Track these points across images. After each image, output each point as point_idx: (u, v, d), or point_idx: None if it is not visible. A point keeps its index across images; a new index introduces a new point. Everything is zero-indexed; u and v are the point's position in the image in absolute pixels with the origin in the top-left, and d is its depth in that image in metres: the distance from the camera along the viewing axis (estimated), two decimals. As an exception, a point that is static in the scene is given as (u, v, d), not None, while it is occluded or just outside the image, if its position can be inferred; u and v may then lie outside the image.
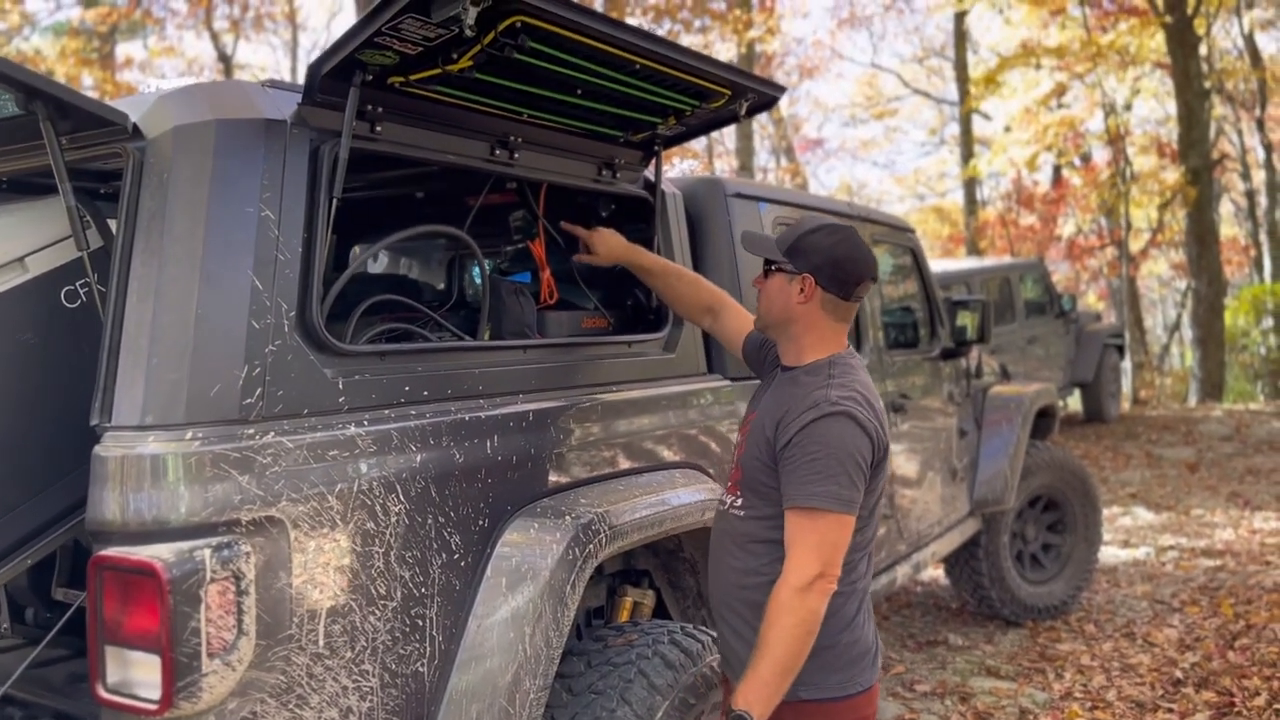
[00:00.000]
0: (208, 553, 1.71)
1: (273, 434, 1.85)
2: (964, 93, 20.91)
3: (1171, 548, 6.95)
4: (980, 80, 18.69)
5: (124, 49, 22.80)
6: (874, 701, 2.16)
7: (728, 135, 22.95)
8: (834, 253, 2.15)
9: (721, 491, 2.38)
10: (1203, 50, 17.04)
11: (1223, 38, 21.85)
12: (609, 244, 2.78)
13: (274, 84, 2.14)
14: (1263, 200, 23.44)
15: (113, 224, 2.01)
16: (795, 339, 2.21)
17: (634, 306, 3.27)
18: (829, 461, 1.98)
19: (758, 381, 3.25)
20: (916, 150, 51.14)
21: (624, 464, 2.73)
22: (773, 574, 2.05)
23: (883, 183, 39.53)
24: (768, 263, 2.24)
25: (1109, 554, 6.77)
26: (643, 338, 2.99)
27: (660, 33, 18.74)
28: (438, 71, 2.11)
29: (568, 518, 2.36)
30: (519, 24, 2.02)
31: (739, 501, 2.20)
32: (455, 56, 2.08)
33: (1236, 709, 4.00)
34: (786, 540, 2.02)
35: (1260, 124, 22.30)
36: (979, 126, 22.52)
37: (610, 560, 2.84)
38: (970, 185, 22.13)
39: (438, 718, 2.13)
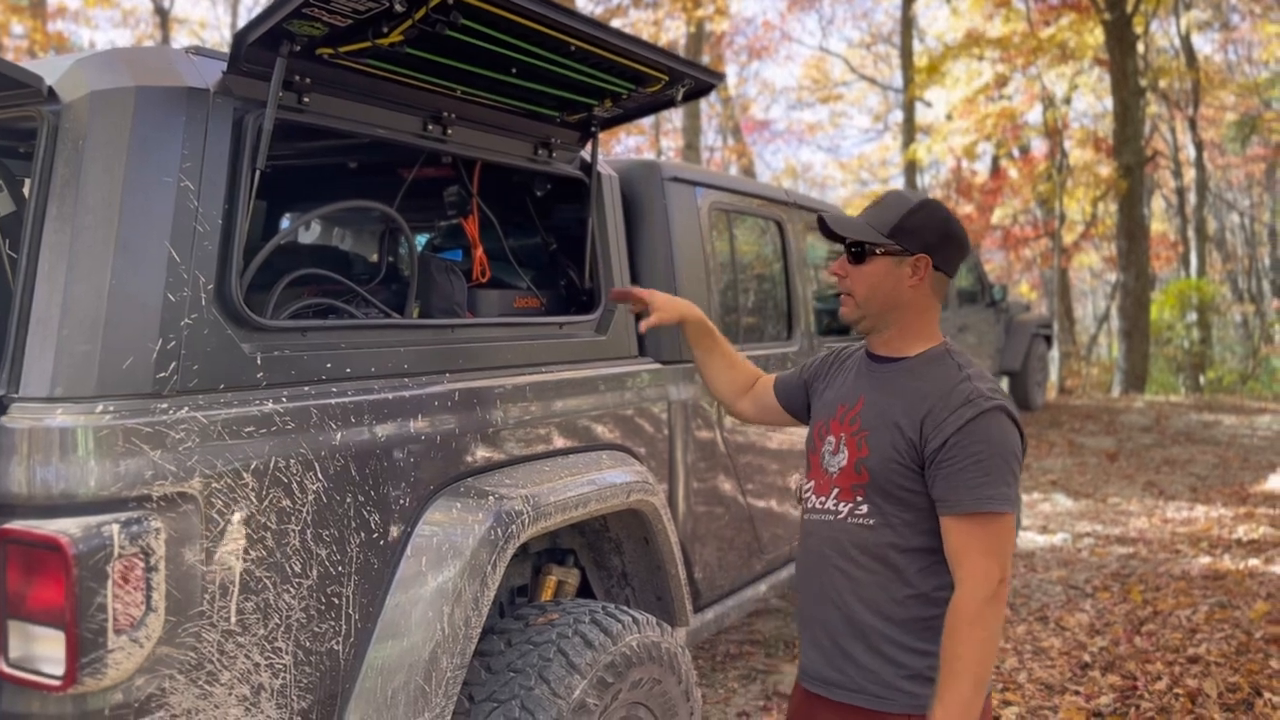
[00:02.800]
0: (116, 528, 1.68)
1: (186, 409, 1.83)
2: (908, 79, 21.13)
3: (1088, 534, 7.16)
4: (924, 69, 18.90)
5: (55, -3, 21.99)
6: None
7: (676, 113, 22.91)
8: (946, 229, 2.01)
9: (810, 497, 2.12)
10: (1140, 49, 17.41)
11: (1160, 37, 22.35)
12: (674, 302, 2.53)
13: (198, 51, 2.09)
14: (1192, 198, 24.11)
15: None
16: (903, 325, 2.04)
17: (567, 287, 3.27)
18: (995, 461, 1.85)
19: (689, 364, 3.30)
20: (861, 136, 51.63)
21: (551, 445, 2.74)
22: (924, 586, 1.93)
23: (827, 167, 39.84)
24: (856, 245, 2.03)
25: (1027, 539, 6.96)
26: (574, 319, 2.99)
27: (608, 8, 18.60)
28: (368, 45, 2.09)
29: (491, 498, 2.36)
30: (451, 0, 2.00)
31: (863, 509, 1.98)
32: (386, 30, 2.05)
33: (1139, 692, 4.14)
34: (955, 548, 1.87)
35: (1193, 123, 22.90)
36: (922, 114, 22.78)
37: (536, 539, 2.85)
38: (911, 172, 22.40)
39: (353, 695, 2.13)
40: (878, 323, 2.05)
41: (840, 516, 2.02)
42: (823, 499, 2.07)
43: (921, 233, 1.98)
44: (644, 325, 2.49)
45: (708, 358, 2.53)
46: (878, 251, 2.00)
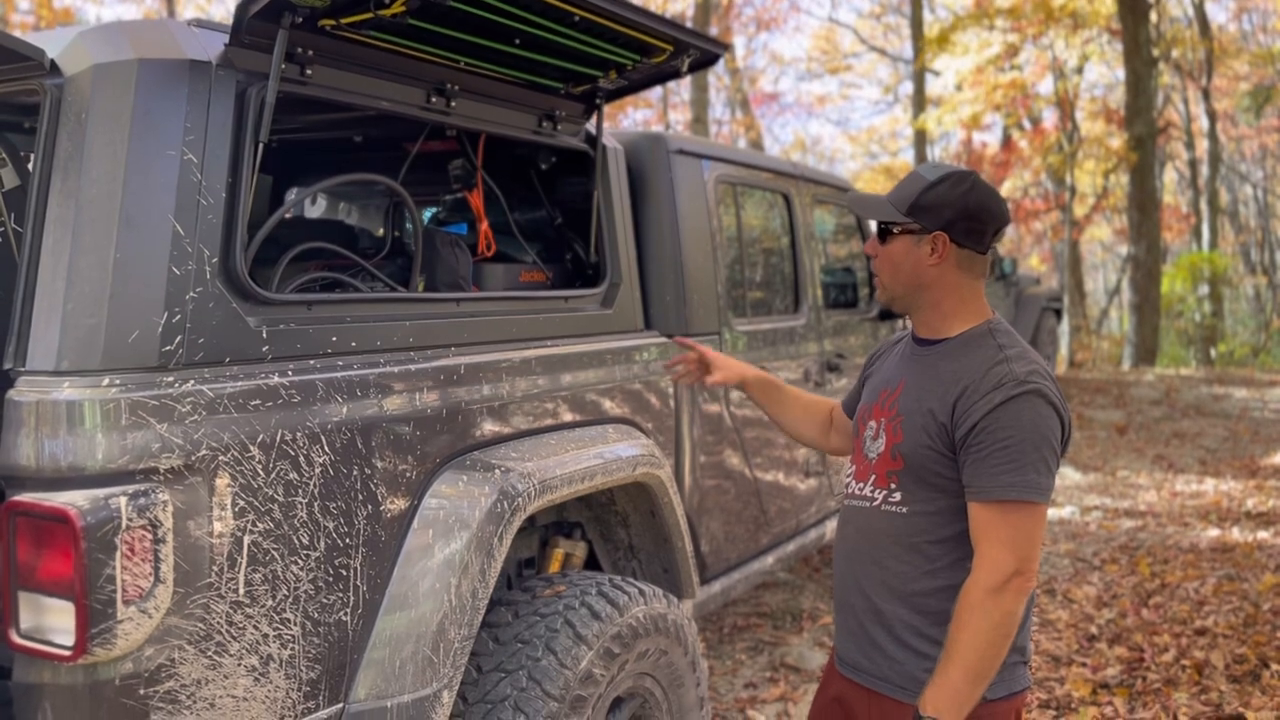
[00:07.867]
0: (123, 500, 1.70)
1: (192, 382, 1.83)
2: (918, 49, 20.95)
3: (1096, 508, 7.16)
4: (934, 39, 18.72)
5: (61, -27, 21.89)
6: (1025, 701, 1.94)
7: (683, 86, 22.76)
8: (966, 203, 1.90)
9: (851, 482, 2.08)
10: (1153, 18, 17.21)
11: (1173, 6, 22.07)
12: (734, 363, 2.52)
13: (200, 23, 2.08)
14: (1205, 170, 23.88)
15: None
16: (934, 306, 1.96)
17: (573, 261, 3.26)
18: (1023, 447, 1.77)
19: (691, 337, 3.29)
20: (870, 108, 51.25)
21: (557, 418, 2.74)
22: (956, 578, 1.85)
23: (835, 140, 39.70)
24: (884, 225, 1.98)
25: (1036, 512, 6.95)
26: (580, 293, 2.99)
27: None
28: (370, 16, 2.07)
29: (497, 471, 2.37)
30: (453, -29, 1.99)
31: (897, 495, 1.93)
32: (388, 1, 2.04)
33: (1145, 664, 4.15)
34: (974, 535, 1.81)
35: (1206, 94, 22.65)
36: (932, 86, 22.59)
37: (543, 512, 2.86)
38: (921, 143, 22.25)
39: (361, 665, 2.15)
40: (908, 304, 2.00)
41: (875, 503, 1.97)
42: (860, 485, 2.03)
43: (939, 209, 1.90)
44: (710, 381, 2.48)
45: (782, 410, 2.45)
46: (895, 230, 1.95)
